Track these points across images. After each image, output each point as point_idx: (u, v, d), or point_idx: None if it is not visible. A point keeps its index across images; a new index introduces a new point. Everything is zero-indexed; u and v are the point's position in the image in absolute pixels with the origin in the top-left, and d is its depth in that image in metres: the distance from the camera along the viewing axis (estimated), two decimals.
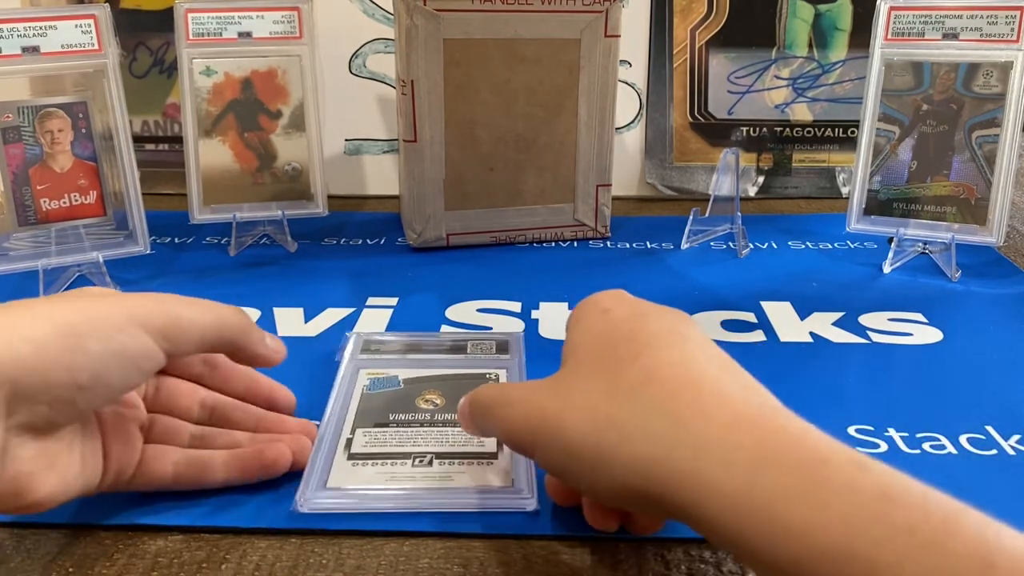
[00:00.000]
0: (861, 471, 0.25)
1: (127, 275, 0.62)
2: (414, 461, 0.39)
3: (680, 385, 0.29)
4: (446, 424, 0.41)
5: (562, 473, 0.32)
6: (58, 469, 0.31)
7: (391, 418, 0.42)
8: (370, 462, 0.38)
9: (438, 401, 0.43)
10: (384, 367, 0.46)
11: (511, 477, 0.38)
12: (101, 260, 0.59)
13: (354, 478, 0.38)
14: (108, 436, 0.35)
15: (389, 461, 0.39)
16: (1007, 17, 0.59)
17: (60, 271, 0.60)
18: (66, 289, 0.59)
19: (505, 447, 0.39)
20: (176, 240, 0.70)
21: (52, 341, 0.30)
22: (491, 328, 0.54)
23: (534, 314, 0.57)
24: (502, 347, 0.48)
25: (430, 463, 0.38)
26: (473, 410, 0.36)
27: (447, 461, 0.39)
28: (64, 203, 0.58)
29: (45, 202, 0.58)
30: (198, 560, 0.34)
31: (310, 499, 0.36)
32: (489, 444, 0.39)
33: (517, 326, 0.55)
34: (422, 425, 0.41)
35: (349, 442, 0.40)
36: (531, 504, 0.36)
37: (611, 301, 0.35)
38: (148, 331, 0.32)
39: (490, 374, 0.45)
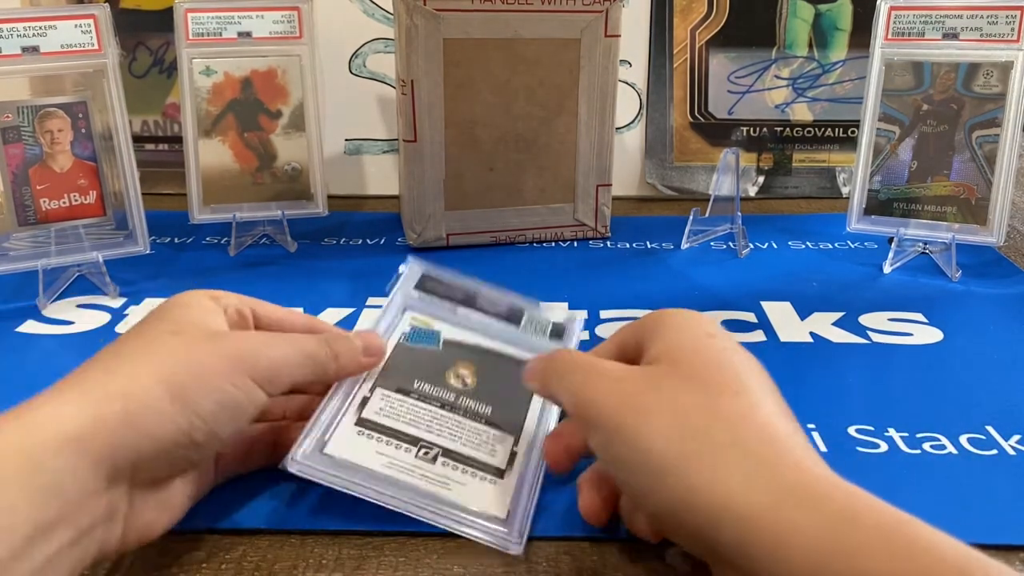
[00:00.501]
0: (940, 533, 0.25)
1: (127, 275, 0.61)
2: (419, 451, 0.37)
3: (776, 435, 0.29)
4: (466, 414, 0.40)
5: (620, 466, 0.31)
6: (172, 508, 0.32)
7: (415, 386, 0.40)
8: (375, 436, 0.37)
9: (469, 380, 0.41)
10: (432, 314, 0.44)
11: (507, 508, 0.36)
12: (101, 260, 0.59)
13: (353, 451, 0.36)
14: (223, 457, 0.36)
15: (395, 442, 0.37)
16: (1007, 17, 0.59)
17: (60, 271, 0.60)
18: (66, 290, 0.59)
19: (515, 466, 0.38)
20: (176, 240, 0.70)
21: (168, 408, 0.30)
22: None
23: None
24: (557, 332, 0.45)
25: (434, 459, 0.37)
26: (552, 365, 0.35)
27: (451, 463, 0.37)
28: (64, 203, 0.58)
29: (45, 202, 0.58)
30: (198, 560, 0.34)
31: (301, 461, 0.35)
32: (500, 458, 0.38)
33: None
34: (443, 407, 0.40)
35: (365, 401, 0.38)
36: (517, 548, 0.34)
37: (713, 327, 0.35)
38: (254, 377, 0.33)
39: None
